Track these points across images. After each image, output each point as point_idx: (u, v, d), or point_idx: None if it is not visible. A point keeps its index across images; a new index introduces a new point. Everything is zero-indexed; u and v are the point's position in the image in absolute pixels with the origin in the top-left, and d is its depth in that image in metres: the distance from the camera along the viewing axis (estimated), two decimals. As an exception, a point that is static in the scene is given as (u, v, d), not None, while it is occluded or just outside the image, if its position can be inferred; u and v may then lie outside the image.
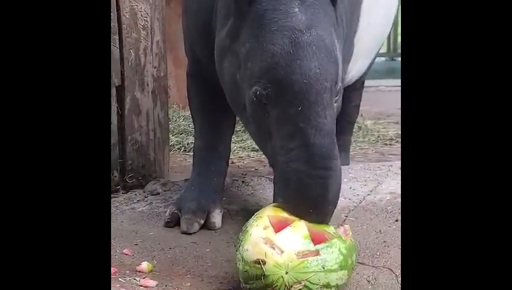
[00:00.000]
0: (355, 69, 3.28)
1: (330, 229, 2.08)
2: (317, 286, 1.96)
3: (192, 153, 2.91)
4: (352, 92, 3.67)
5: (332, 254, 1.99)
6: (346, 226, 2.13)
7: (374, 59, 3.76)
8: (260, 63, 2.10)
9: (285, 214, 2.06)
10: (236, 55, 2.22)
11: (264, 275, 1.95)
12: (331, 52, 2.10)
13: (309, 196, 2.02)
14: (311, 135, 2.02)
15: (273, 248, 1.97)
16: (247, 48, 2.16)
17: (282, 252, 1.96)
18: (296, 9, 2.12)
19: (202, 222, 2.65)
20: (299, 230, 2.01)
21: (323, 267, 1.97)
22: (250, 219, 2.10)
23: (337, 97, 2.15)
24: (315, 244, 1.99)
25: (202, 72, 2.69)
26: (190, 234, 2.59)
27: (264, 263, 1.96)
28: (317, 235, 2.02)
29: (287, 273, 1.95)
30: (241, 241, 2.05)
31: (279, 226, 2.02)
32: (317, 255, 1.98)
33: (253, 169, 4.03)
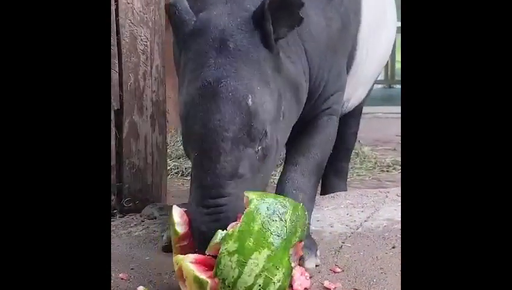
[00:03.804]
0: (355, 97, 3.30)
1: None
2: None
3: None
4: (351, 119, 3.68)
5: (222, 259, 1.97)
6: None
7: (373, 86, 3.78)
8: (180, 111, 2.27)
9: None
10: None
11: None
12: (239, 102, 2.17)
13: (199, 232, 2.12)
14: (202, 178, 2.15)
15: None
16: (178, 95, 2.34)
17: None
18: (212, 60, 2.22)
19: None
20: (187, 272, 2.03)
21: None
22: None
23: (260, 141, 2.22)
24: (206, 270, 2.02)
25: None
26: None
27: None
28: (203, 260, 2.05)
29: None
30: None
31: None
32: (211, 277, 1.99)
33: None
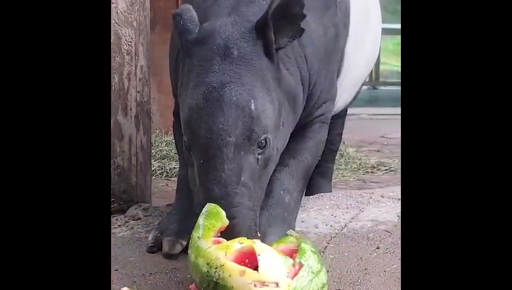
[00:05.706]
0: (341, 101, 3.33)
1: (289, 239, 2.09)
2: None
3: (173, 179, 2.91)
4: (336, 120, 3.70)
5: (310, 257, 1.99)
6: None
7: (360, 89, 3.80)
8: (183, 115, 2.31)
9: (234, 245, 1.98)
10: (178, 106, 2.44)
11: None
12: (243, 107, 2.23)
13: None
14: (209, 189, 2.19)
15: (267, 285, 1.87)
16: (181, 100, 2.37)
17: (277, 284, 1.88)
18: (216, 67, 2.27)
19: (184, 243, 2.62)
20: (269, 253, 1.95)
21: (313, 273, 1.97)
22: (207, 270, 1.96)
23: (262, 149, 2.28)
24: (292, 258, 1.97)
25: None
26: (172, 257, 2.57)
27: None
28: (286, 249, 2.02)
29: None
30: None
31: (251, 262, 1.93)
32: (301, 266, 1.96)
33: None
